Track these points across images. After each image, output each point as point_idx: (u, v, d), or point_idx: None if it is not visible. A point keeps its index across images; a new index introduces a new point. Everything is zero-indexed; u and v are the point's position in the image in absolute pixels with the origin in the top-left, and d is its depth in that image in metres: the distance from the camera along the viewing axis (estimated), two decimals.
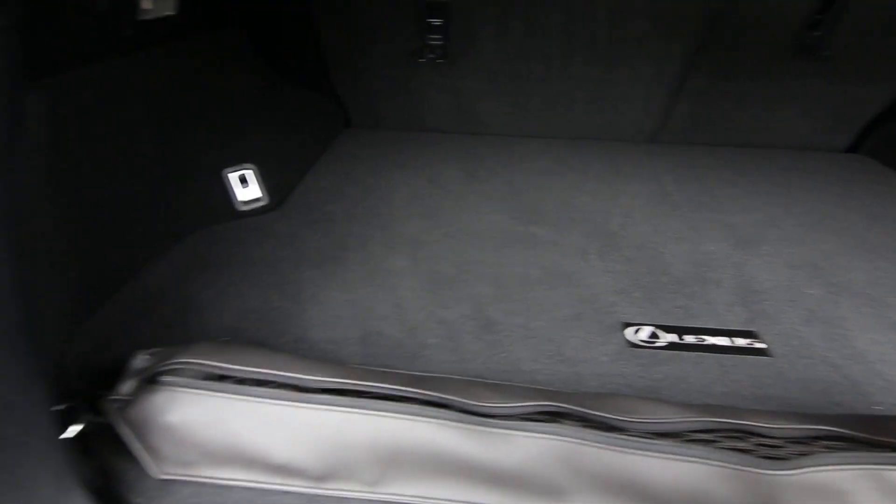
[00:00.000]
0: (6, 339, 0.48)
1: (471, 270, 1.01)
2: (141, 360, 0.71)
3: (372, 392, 0.63)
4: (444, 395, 0.61)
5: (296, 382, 0.64)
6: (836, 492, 0.53)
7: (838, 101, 1.47)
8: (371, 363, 0.80)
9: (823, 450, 0.56)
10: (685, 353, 0.82)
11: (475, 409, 0.61)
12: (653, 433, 0.59)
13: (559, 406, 0.61)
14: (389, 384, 0.63)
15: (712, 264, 1.04)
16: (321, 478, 0.60)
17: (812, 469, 0.53)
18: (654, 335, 0.86)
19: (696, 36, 1.32)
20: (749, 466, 0.54)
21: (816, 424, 0.59)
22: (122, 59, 0.95)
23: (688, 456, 0.55)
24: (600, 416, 0.60)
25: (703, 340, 0.85)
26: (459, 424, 0.59)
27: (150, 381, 0.66)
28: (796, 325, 0.88)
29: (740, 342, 0.85)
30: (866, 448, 0.56)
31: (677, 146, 1.59)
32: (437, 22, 1.36)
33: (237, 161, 1.17)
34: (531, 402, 0.61)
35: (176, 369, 0.66)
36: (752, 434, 0.60)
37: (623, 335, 0.85)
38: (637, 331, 0.86)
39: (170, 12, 1.00)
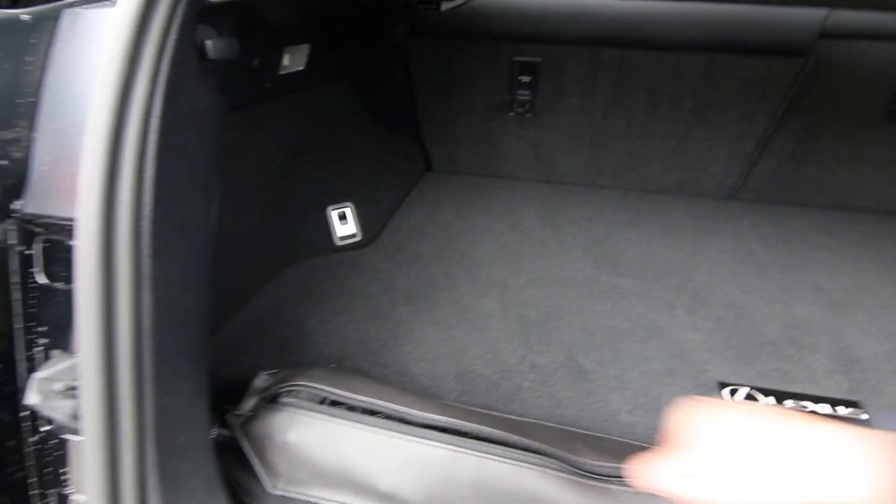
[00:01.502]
0: (190, 355, 0.55)
1: (559, 318, 1.03)
2: (262, 380, 0.78)
3: (474, 433, 0.66)
4: (544, 446, 0.64)
5: (403, 415, 0.68)
6: None
7: None
8: (468, 401, 0.83)
9: None
10: None
11: (576, 462, 0.63)
12: None
13: None
14: (492, 427, 0.66)
15: (807, 328, 1.02)
16: None
17: None
18: (751, 397, 0.85)
19: (785, 98, 1.34)
20: None
21: None
22: (259, 108, 1.07)
23: None
24: None
25: (804, 407, 0.83)
26: (561, 475, 0.61)
27: (271, 400, 0.72)
28: None
29: (843, 412, 0.83)
30: None
31: (758, 204, 1.58)
32: (526, 79, 1.45)
33: (339, 199, 1.27)
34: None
35: (294, 391, 0.72)
36: None
37: (719, 395, 0.85)
38: (733, 391, 0.86)
39: (300, 67, 1.13)
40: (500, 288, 1.13)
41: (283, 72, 1.06)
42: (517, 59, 1.41)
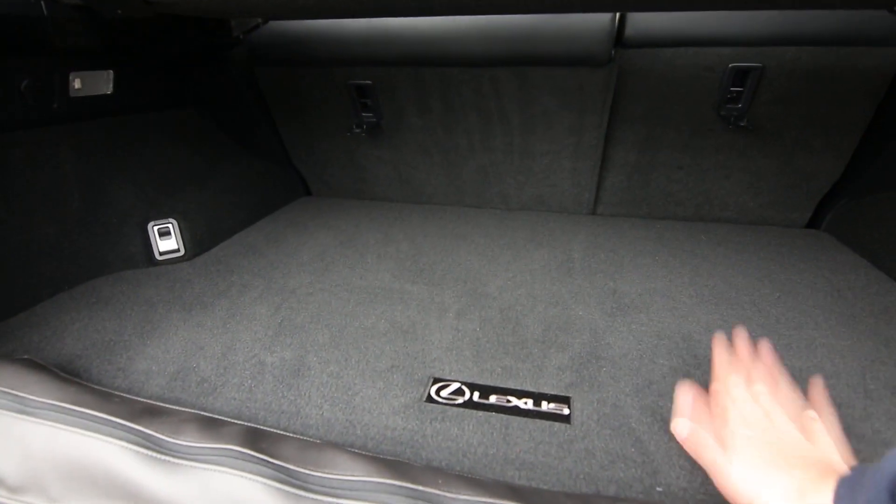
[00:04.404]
0: None
1: (321, 321, 1.03)
2: None
3: (94, 416, 0.65)
4: (145, 429, 0.62)
5: (26, 396, 0.68)
6: None
7: (779, 173, 1.39)
8: (169, 396, 0.83)
9: None
10: (476, 412, 0.77)
11: (171, 444, 0.61)
12: (331, 487, 0.56)
13: (245, 451, 0.60)
14: (109, 414, 0.65)
15: (570, 328, 0.98)
16: (16, 489, 0.62)
17: None
18: (458, 392, 0.82)
19: (603, 108, 1.34)
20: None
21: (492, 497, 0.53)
22: (57, 127, 1.14)
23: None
24: (279, 464, 0.58)
25: (508, 402, 0.79)
26: (148, 453, 0.60)
27: None
28: (622, 395, 0.80)
29: (547, 406, 0.78)
30: None
31: (614, 219, 1.56)
32: (367, 101, 1.50)
33: (162, 216, 1.31)
34: (226, 444, 0.60)
35: None
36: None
37: (425, 390, 0.82)
38: (442, 387, 0.83)
39: (105, 92, 1.21)
40: (285, 295, 1.13)
41: (75, 94, 1.14)
42: (351, 82, 1.47)
